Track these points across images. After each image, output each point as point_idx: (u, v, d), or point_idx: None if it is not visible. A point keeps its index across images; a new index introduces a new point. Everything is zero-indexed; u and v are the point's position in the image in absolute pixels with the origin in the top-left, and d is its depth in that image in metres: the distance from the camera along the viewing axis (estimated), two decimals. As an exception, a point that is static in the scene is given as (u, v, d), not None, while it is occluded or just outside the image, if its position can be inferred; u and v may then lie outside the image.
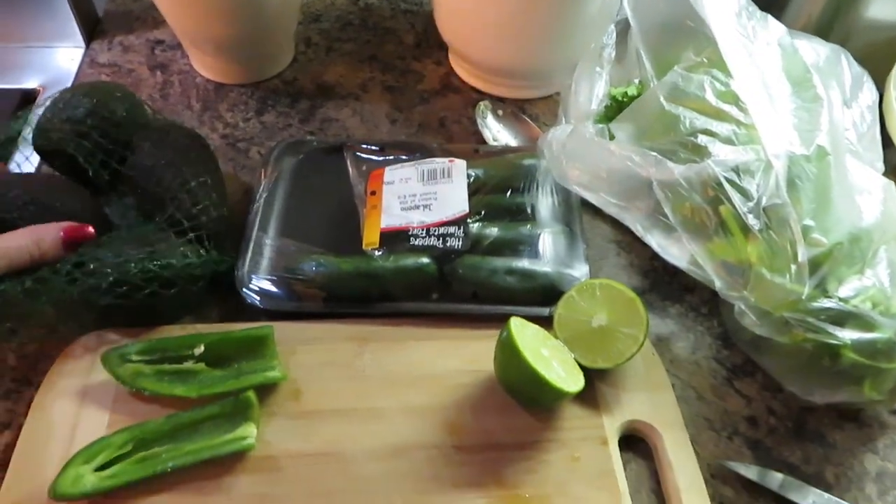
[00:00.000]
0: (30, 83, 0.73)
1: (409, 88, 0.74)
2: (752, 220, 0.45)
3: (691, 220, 0.47)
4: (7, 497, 0.44)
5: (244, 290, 0.53)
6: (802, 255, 0.44)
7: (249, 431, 0.46)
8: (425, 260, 0.54)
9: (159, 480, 0.44)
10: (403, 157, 0.61)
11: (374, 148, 0.63)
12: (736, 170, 0.45)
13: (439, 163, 0.59)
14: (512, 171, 0.60)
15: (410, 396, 0.50)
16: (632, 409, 0.49)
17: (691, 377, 0.53)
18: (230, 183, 0.59)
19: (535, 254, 0.55)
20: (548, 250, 0.55)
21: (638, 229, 0.51)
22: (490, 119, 0.69)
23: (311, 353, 0.51)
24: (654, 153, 0.47)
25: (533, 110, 0.72)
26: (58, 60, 0.75)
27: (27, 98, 0.71)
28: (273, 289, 0.53)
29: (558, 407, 0.49)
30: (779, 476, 0.48)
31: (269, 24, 0.69)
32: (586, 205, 0.56)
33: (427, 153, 0.62)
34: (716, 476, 0.49)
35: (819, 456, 0.50)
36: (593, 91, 0.54)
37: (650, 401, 0.50)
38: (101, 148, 0.53)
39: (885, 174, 0.52)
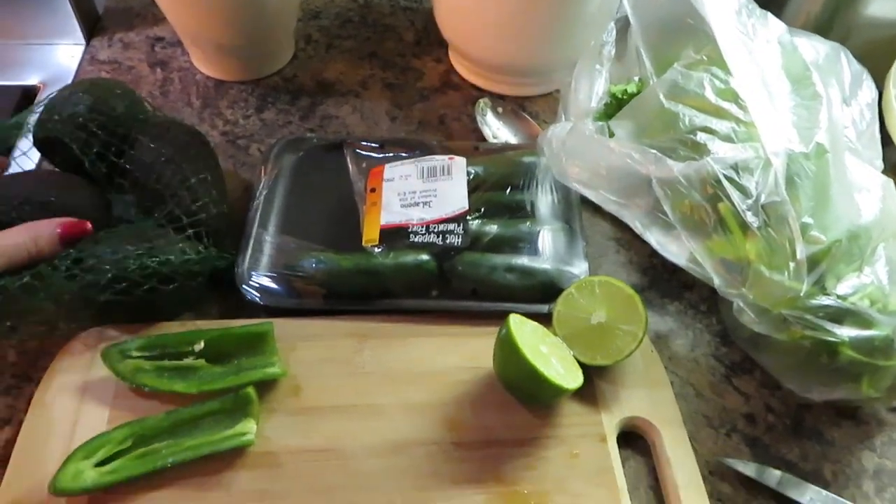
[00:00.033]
0: (30, 80, 0.73)
1: (409, 86, 0.74)
2: (750, 218, 0.45)
3: (690, 218, 0.47)
4: (7, 493, 0.44)
5: (244, 286, 0.53)
6: (801, 252, 0.44)
7: (249, 427, 0.46)
8: (425, 257, 0.54)
9: (159, 476, 0.45)
10: (403, 155, 0.61)
11: (373, 145, 0.63)
12: (735, 167, 0.45)
13: (439, 160, 0.59)
14: (512, 169, 0.60)
15: (410, 393, 0.50)
16: (630, 406, 0.50)
17: (690, 374, 0.53)
18: (230, 180, 0.59)
19: (534, 251, 0.55)
20: (547, 247, 0.56)
21: (637, 227, 0.51)
22: (490, 116, 0.69)
23: (310, 350, 0.51)
24: (654, 151, 0.47)
25: (533, 108, 0.72)
26: (58, 57, 0.75)
27: (27, 95, 0.71)
28: (273, 285, 0.53)
29: (557, 404, 0.49)
30: (777, 473, 0.48)
31: (269, 22, 0.69)
32: (586, 202, 0.56)
33: (427, 150, 0.62)
34: (714, 473, 0.49)
35: (817, 453, 0.50)
36: (593, 88, 0.54)
37: (649, 398, 0.50)
38: (100, 144, 0.54)
39: (885, 172, 0.52)
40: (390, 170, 0.59)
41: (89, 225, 0.49)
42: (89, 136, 0.53)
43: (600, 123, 0.53)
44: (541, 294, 0.53)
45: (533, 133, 0.68)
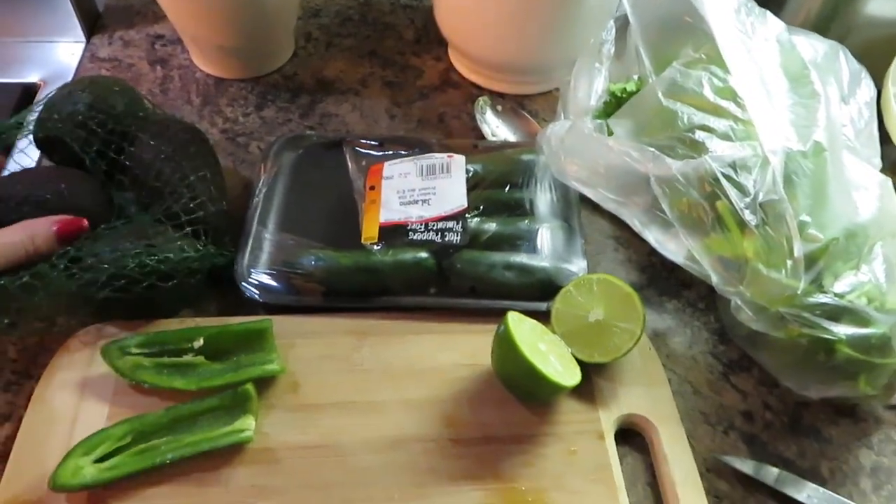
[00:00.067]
0: (30, 78, 0.73)
1: (409, 84, 0.74)
2: (748, 216, 0.45)
3: (688, 216, 0.47)
4: (7, 489, 0.44)
5: (243, 283, 0.53)
6: (798, 250, 0.44)
7: (248, 424, 0.47)
8: (424, 254, 0.54)
9: (158, 472, 0.45)
10: (402, 152, 0.62)
11: (373, 143, 0.63)
12: (733, 165, 0.45)
13: (438, 158, 0.59)
14: (511, 167, 0.60)
15: (408, 390, 0.50)
16: (628, 404, 0.50)
17: (688, 372, 0.54)
18: (230, 177, 0.59)
19: (533, 249, 0.55)
20: (546, 245, 0.56)
21: (636, 225, 0.51)
22: (489, 114, 0.69)
23: (309, 347, 0.51)
24: (652, 149, 0.48)
25: (532, 106, 0.72)
26: (58, 55, 0.75)
27: (28, 92, 0.72)
28: (272, 283, 0.53)
29: (555, 401, 0.49)
30: (774, 470, 0.48)
31: (269, 21, 0.69)
32: (584, 200, 0.57)
33: (426, 148, 0.62)
34: (711, 470, 0.49)
35: (814, 450, 0.50)
36: (592, 87, 0.54)
37: (647, 395, 0.50)
38: (100, 142, 0.54)
39: (883, 170, 0.52)
40: (389, 168, 0.59)
41: (86, 222, 0.50)
42: (89, 134, 0.53)
43: (599, 122, 0.53)
44: (539, 292, 0.53)
45: (532, 131, 0.68)
